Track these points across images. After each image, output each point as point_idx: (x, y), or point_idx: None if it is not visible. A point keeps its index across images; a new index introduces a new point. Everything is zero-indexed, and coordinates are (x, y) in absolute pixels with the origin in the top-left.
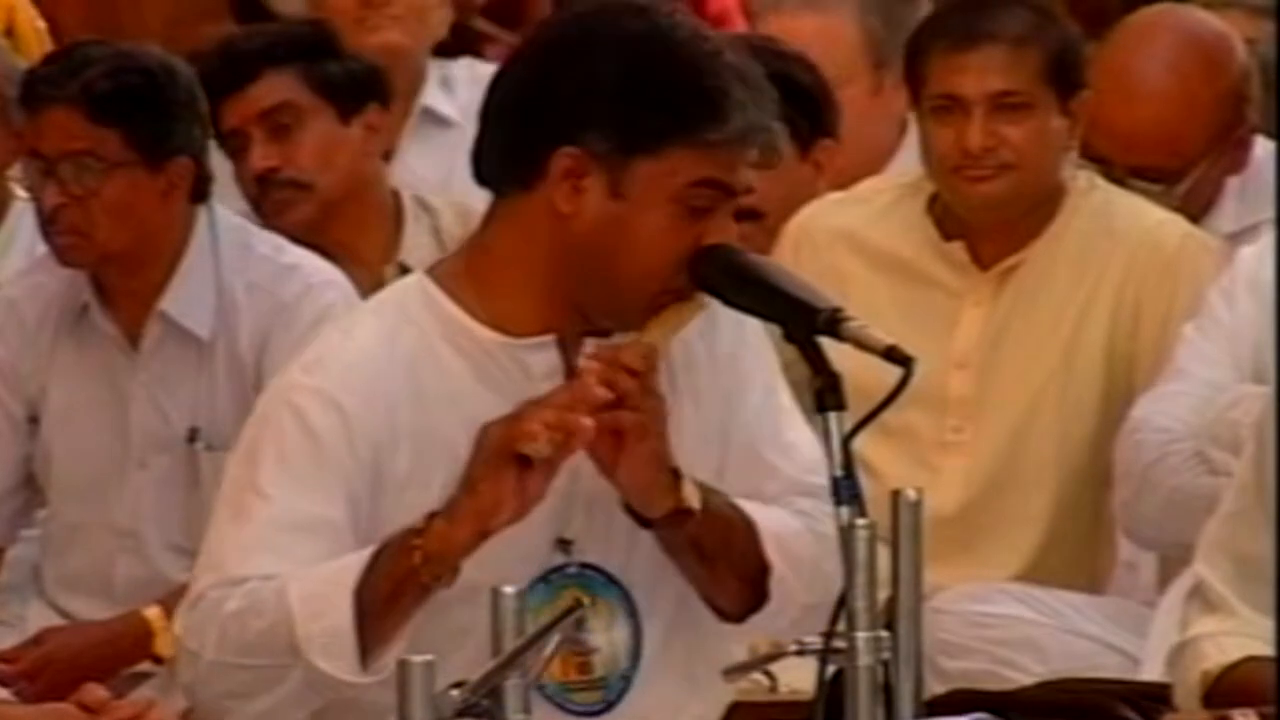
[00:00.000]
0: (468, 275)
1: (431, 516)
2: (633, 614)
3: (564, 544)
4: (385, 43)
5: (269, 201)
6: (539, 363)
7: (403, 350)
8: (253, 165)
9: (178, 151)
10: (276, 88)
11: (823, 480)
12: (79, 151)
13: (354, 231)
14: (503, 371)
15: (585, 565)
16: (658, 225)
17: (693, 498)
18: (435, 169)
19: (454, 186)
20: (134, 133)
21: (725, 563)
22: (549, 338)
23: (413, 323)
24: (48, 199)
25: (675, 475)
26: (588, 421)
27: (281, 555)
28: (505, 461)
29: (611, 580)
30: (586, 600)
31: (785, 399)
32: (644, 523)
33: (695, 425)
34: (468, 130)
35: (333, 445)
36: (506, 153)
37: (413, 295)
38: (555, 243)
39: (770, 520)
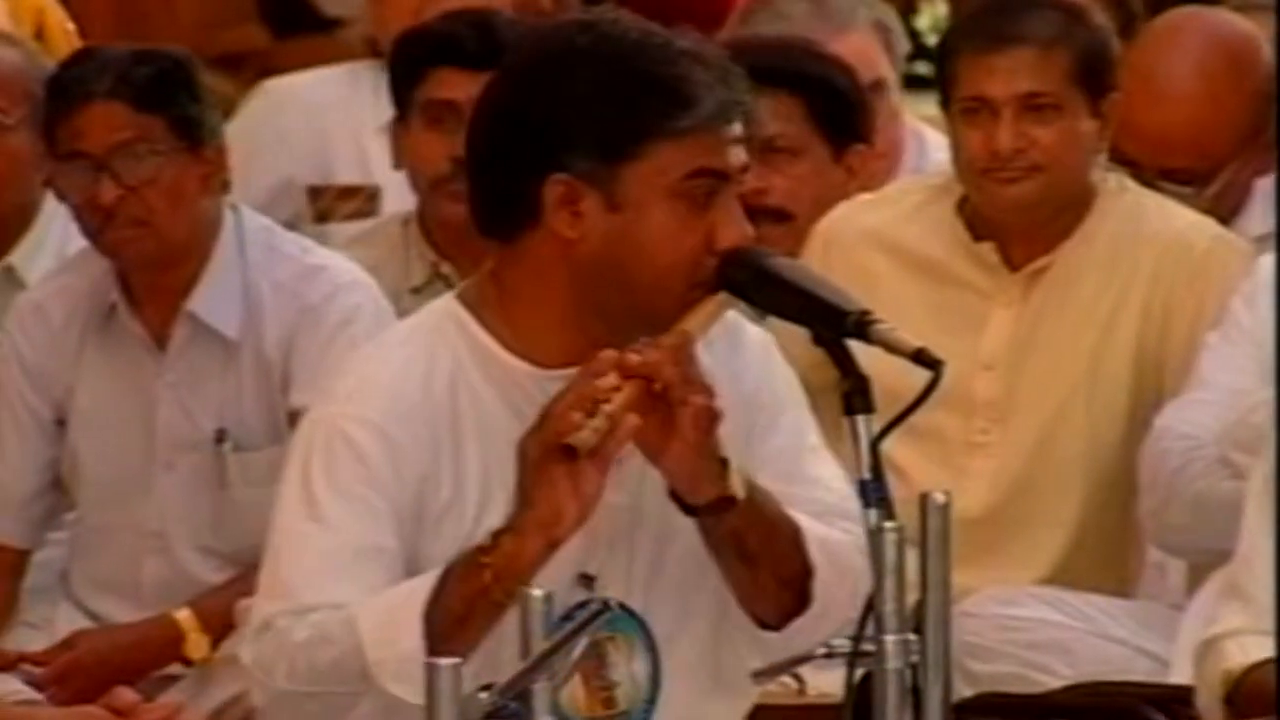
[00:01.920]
0: (497, 305)
1: (498, 534)
2: (651, 647)
3: (587, 579)
4: None
5: (453, 187)
6: None
7: (441, 379)
8: (460, 147)
9: (211, 135)
10: None
11: (855, 505)
12: (129, 141)
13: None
14: (530, 402)
15: (607, 601)
16: (663, 225)
17: (739, 487)
18: None
19: None
20: (175, 118)
21: (767, 562)
22: (577, 370)
23: (449, 350)
24: (104, 194)
25: (723, 463)
26: (633, 419)
27: (348, 582)
28: (553, 461)
29: (632, 615)
30: (606, 635)
31: (813, 439)
32: (688, 510)
33: None
34: None
35: (383, 473)
36: (499, 199)
37: (447, 322)
38: (571, 271)
39: (816, 527)
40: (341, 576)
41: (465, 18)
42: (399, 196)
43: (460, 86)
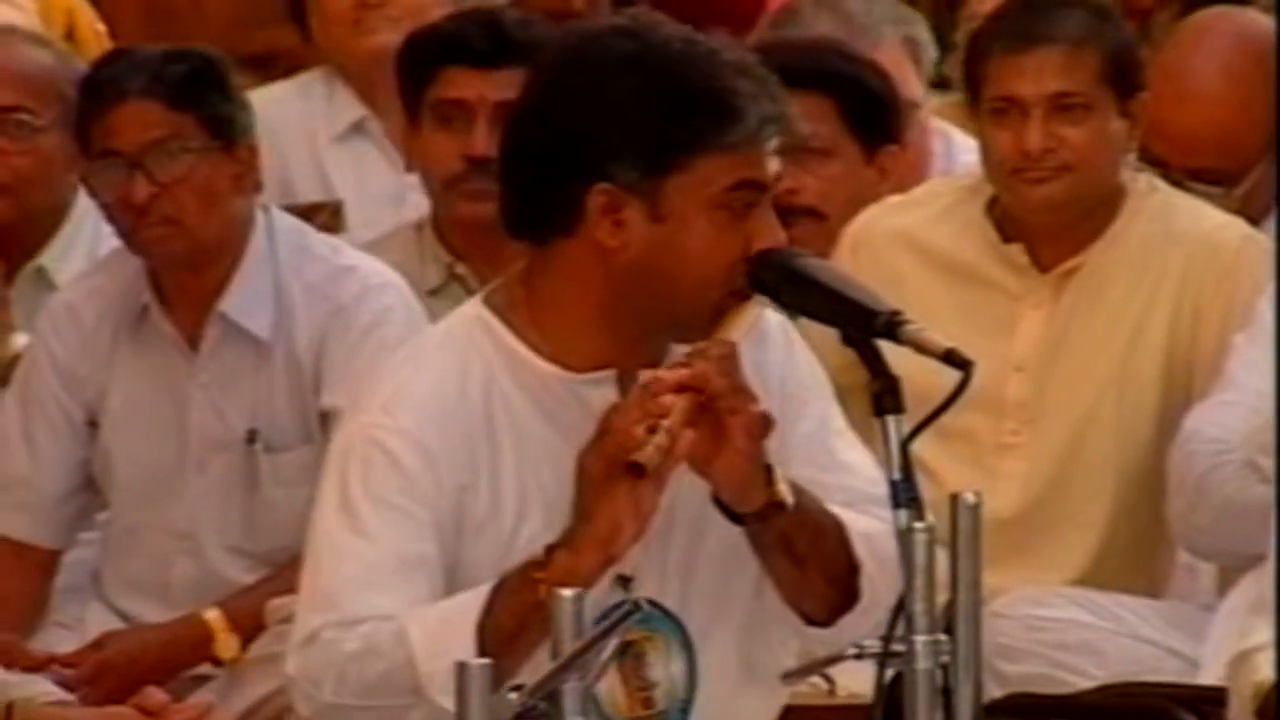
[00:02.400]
0: (527, 310)
1: (551, 549)
2: (687, 645)
3: (624, 581)
4: (382, 45)
5: (467, 187)
6: (598, 398)
7: (475, 387)
8: (472, 146)
9: (243, 134)
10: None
11: (886, 490)
12: (162, 139)
13: (502, 240)
14: (562, 405)
15: (637, 600)
16: (705, 236)
17: (786, 493)
18: None
19: None
20: (208, 116)
21: (815, 563)
22: (608, 373)
23: (480, 356)
24: (137, 192)
25: (768, 470)
26: (690, 434)
27: (392, 592)
28: (617, 478)
29: (667, 614)
30: (644, 635)
31: (839, 423)
32: (735, 518)
33: None
34: None
35: (422, 483)
36: (538, 203)
37: (476, 328)
38: (609, 278)
39: (857, 521)
40: (385, 587)
41: (473, 17)
42: (360, 208)
43: (470, 85)
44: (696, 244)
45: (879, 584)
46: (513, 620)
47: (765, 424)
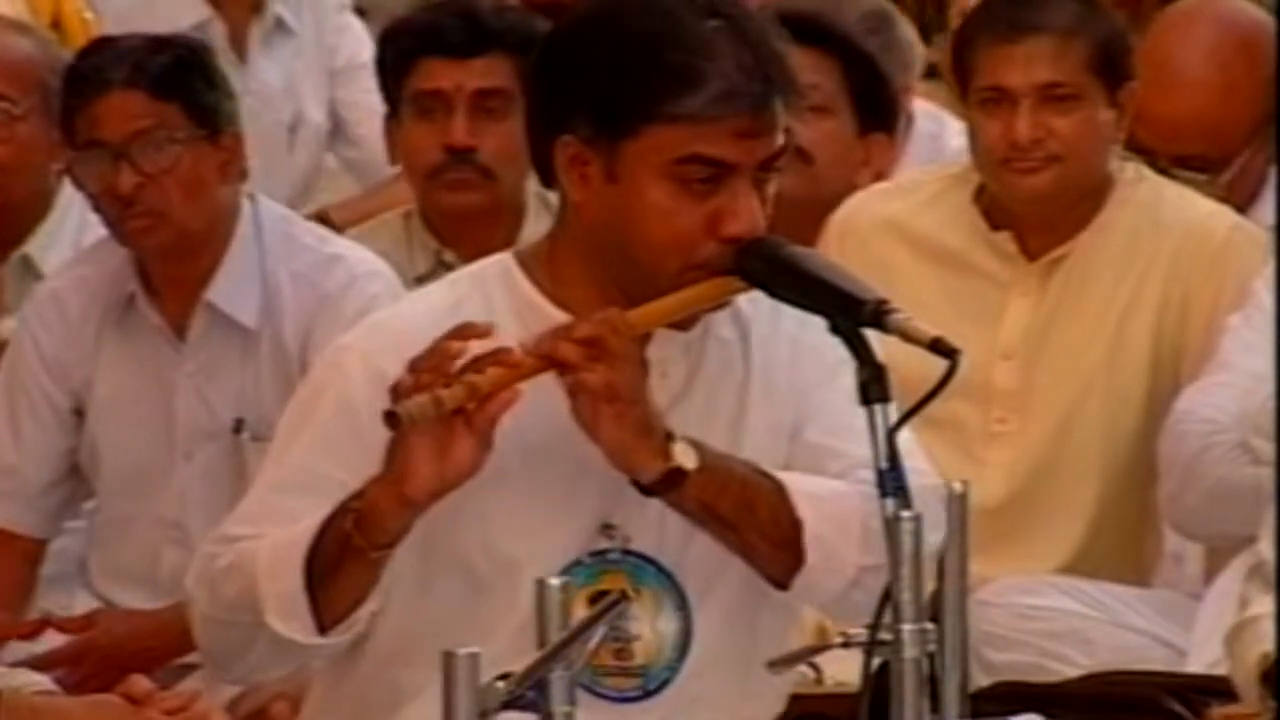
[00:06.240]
0: (548, 257)
1: (370, 481)
2: (683, 607)
3: (609, 529)
4: None
5: (448, 177)
6: None
7: (464, 317)
8: (452, 136)
9: (228, 123)
10: (499, 71)
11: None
12: (147, 129)
13: (489, 227)
14: None
15: (631, 553)
16: (656, 203)
17: (685, 458)
18: (280, 76)
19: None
20: (192, 105)
21: (751, 526)
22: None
23: (484, 294)
24: (123, 183)
25: (667, 438)
26: (509, 391)
27: (275, 514)
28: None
29: (661, 571)
30: (631, 590)
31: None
32: (645, 490)
33: (765, 420)
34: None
35: (364, 408)
36: (532, 153)
37: (492, 271)
38: (580, 230)
39: (806, 481)
40: (271, 508)
41: (448, 7)
42: None
43: (447, 76)
44: (647, 210)
45: (834, 543)
46: (333, 549)
47: (609, 391)
